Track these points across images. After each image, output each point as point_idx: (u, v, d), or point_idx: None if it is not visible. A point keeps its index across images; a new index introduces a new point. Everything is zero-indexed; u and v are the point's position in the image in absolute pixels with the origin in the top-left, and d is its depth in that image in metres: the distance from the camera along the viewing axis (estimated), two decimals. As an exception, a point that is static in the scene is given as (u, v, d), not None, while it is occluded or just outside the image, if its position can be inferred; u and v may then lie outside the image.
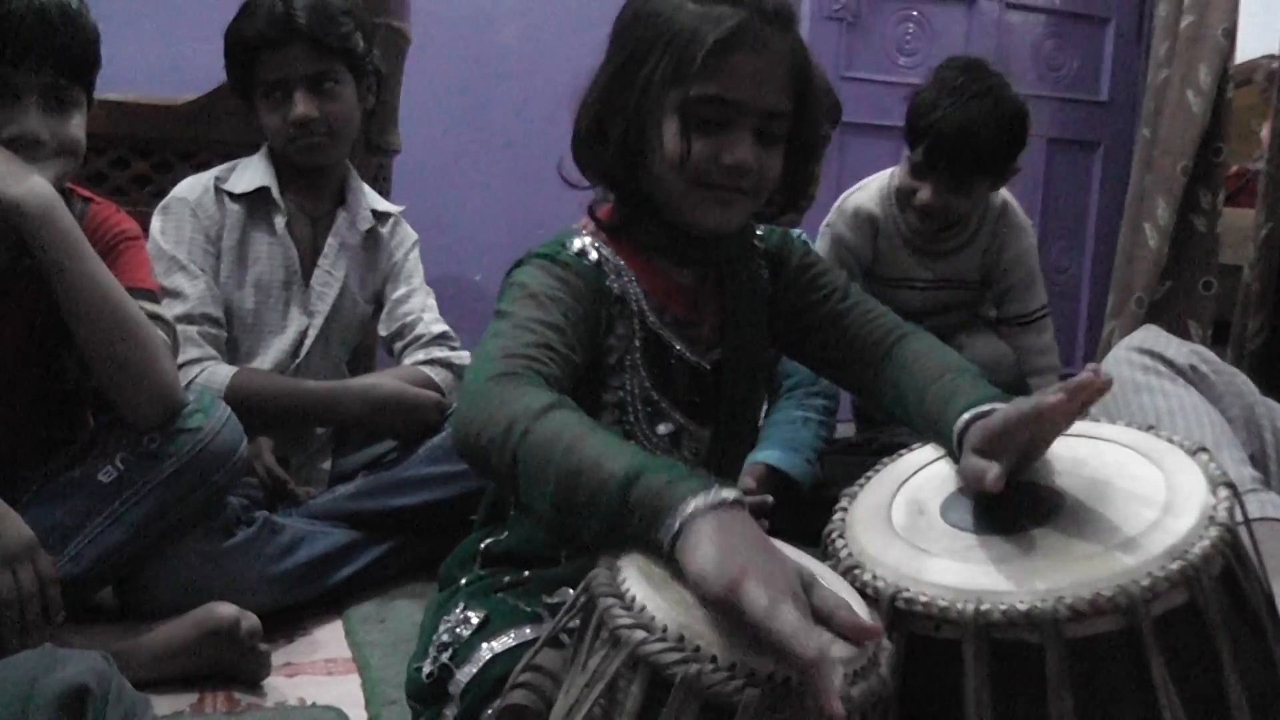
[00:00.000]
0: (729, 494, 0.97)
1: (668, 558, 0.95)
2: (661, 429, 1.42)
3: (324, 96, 2.16)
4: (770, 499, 2.08)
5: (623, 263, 1.39)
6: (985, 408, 1.20)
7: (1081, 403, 1.08)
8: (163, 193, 2.21)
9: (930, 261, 2.68)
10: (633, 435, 1.39)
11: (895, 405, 1.40)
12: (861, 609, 1.00)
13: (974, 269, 2.70)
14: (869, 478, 1.25)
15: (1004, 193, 2.68)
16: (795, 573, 0.93)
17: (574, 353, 1.26)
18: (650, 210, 1.39)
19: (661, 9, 1.32)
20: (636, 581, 0.94)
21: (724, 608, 0.88)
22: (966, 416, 1.20)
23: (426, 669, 1.35)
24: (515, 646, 1.29)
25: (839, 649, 0.91)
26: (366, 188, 2.38)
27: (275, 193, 2.20)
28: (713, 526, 0.93)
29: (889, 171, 2.67)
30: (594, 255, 1.37)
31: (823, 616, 0.91)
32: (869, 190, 2.66)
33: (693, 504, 0.95)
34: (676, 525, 0.94)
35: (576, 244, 1.38)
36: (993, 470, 1.09)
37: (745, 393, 1.49)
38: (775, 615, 0.85)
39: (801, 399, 2.41)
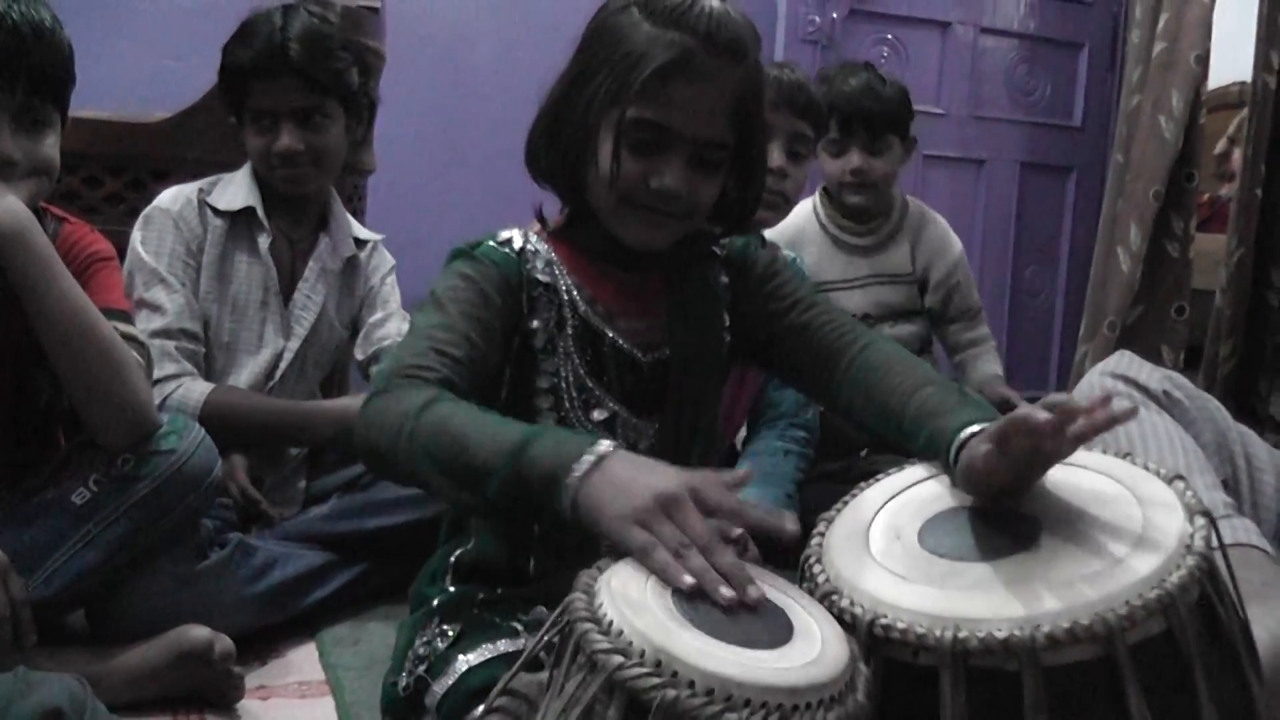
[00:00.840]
0: (603, 450, 1.09)
1: (572, 520, 1.07)
2: (596, 415, 1.43)
3: (311, 129, 2.15)
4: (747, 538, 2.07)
5: (554, 256, 1.43)
6: (985, 427, 1.18)
7: (1076, 431, 1.06)
8: (136, 211, 2.19)
9: (860, 258, 2.80)
10: (567, 421, 1.42)
11: (865, 413, 1.40)
12: (837, 634, 1.00)
13: (904, 263, 2.82)
14: (846, 502, 1.25)
15: (924, 206, 2.90)
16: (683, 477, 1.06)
17: (471, 348, 1.30)
18: (590, 216, 1.42)
19: (619, 25, 1.34)
20: (613, 606, 0.94)
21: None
22: (974, 430, 1.19)
23: (402, 682, 1.37)
24: (491, 659, 1.32)
25: (815, 673, 0.91)
26: (348, 215, 2.37)
27: (261, 213, 2.18)
28: (601, 484, 1.06)
29: (804, 204, 2.84)
30: (518, 243, 1.42)
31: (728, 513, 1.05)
32: (784, 225, 2.73)
33: (576, 468, 1.07)
34: (570, 490, 1.07)
35: (504, 234, 1.43)
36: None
37: (696, 392, 1.50)
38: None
39: (783, 430, 2.42)
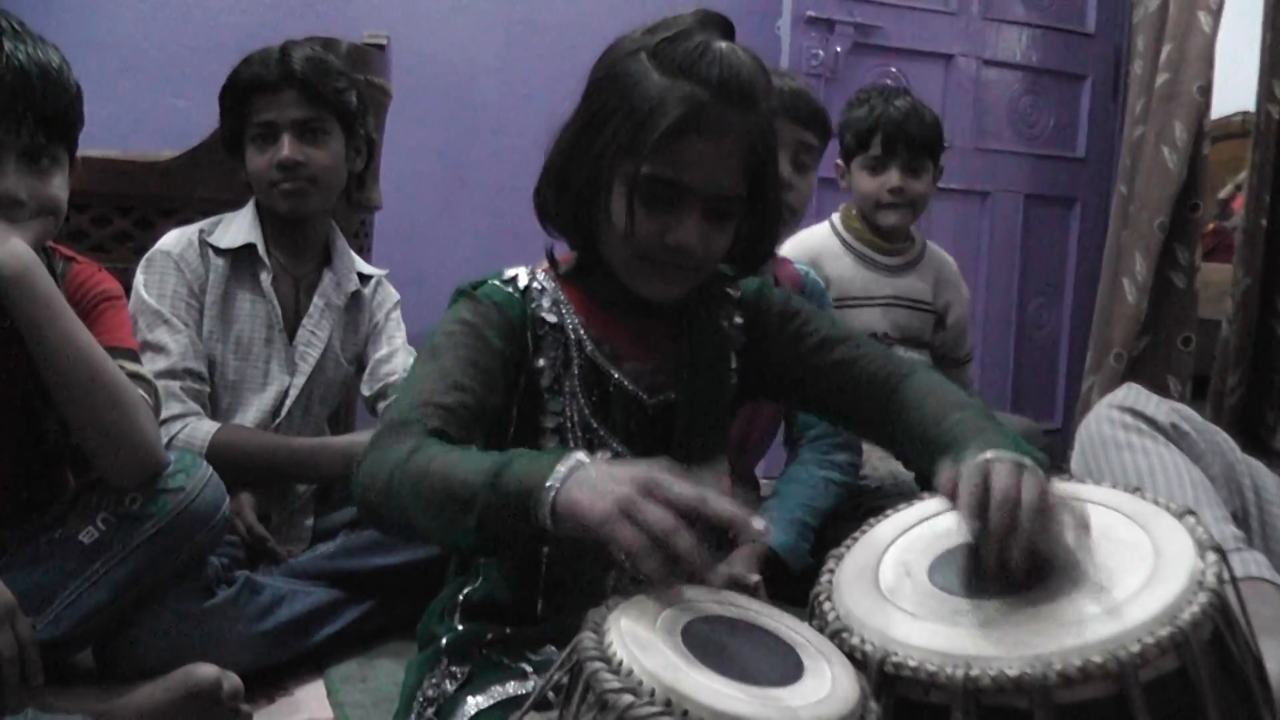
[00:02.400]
0: (578, 459, 1.06)
1: (557, 531, 1.04)
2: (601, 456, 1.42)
3: (311, 144, 2.17)
4: (760, 585, 2.05)
5: (562, 296, 1.42)
6: (1007, 455, 1.14)
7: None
8: (143, 249, 2.20)
9: (885, 277, 2.83)
10: None
11: (906, 445, 1.39)
12: (848, 672, 0.99)
13: (927, 292, 2.86)
14: (855, 539, 1.24)
15: (937, 246, 2.98)
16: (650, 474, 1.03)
17: (465, 394, 1.28)
18: (601, 265, 1.40)
19: (630, 73, 1.31)
20: (623, 645, 0.93)
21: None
22: (989, 455, 1.15)
23: None
24: (501, 702, 1.30)
25: (826, 711, 0.91)
26: (351, 251, 2.38)
27: (261, 249, 2.19)
28: (578, 488, 1.03)
29: (820, 225, 2.90)
30: (524, 282, 1.40)
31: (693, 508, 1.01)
32: (801, 240, 2.82)
33: (552, 479, 1.05)
34: (548, 501, 1.04)
35: (510, 272, 1.41)
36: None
37: (702, 435, 1.48)
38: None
39: (825, 451, 2.39)
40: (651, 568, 0.97)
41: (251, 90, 2.15)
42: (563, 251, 1.47)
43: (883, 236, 2.82)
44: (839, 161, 2.85)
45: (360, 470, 1.21)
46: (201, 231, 2.20)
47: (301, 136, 2.17)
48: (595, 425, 1.41)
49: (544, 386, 1.39)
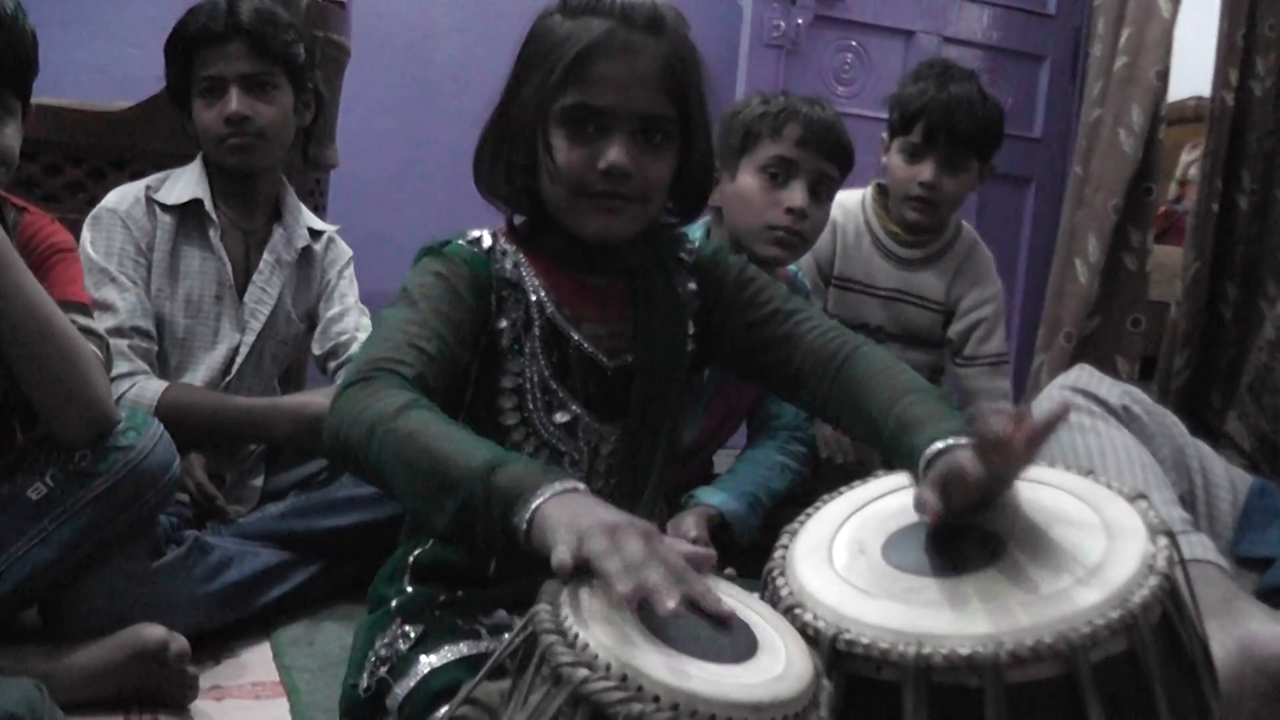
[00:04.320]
0: (576, 484, 1.05)
1: (525, 539, 1.03)
2: (559, 417, 1.44)
3: (259, 97, 2.14)
4: (714, 556, 2.05)
5: (523, 257, 1.44)
6: (954, 441, 1.17)
7: (1031, 438, 1.05)
8: (95, 200, 2.17)
9: (894, 268, 2.73)
10: (530, 422, 1.43)
11: (852, 423, 1.40)
12: (801, 649, 1.00)
13: (939, 290, 2.74)
14: (809, 515, 1.25)
15: (976, 235, 2.80)
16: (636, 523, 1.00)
17: (444, 344, 1.30)
18: (550, 224, 1.43)
19: (540, 30, 1.40)
20: (579, 619, 0.93)
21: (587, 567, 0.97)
22: (938, 446, 1.17)
23: (363, 684, 1.36)
24: (454, 661, 1.31)
25: (780, 689, 0.91)
26: (302, 205, 2.35)
27: (208, 204, 2.17)
28: (562, 506, 1.02)
29: (859, 191, 2.76)
30: (488, 242, 1.43)
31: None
32: (839, 198, 2.62)
33: (546, 490, 1.03)
34: (532, 506, 1.02)
35: (474, 233, 1.44)
36: (931, 500, 1.10)
37: (659, 398, 1.49)
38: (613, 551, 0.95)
39: (785, 442, 2.41)
40: (625, 590, 0.93)
41: (198, 42, 2.12)
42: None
43: (906, 228, 2.71)
44: (884, 135, 2.71)
45: (337, 410, 1.21)
46: (148, 188, 2.16)
47: (249, 90, 2.13)
48: (554, 386, 1.43)
49: (504, 348, 1.41)
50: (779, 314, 1.49)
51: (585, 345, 1.44)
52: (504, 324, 1.41)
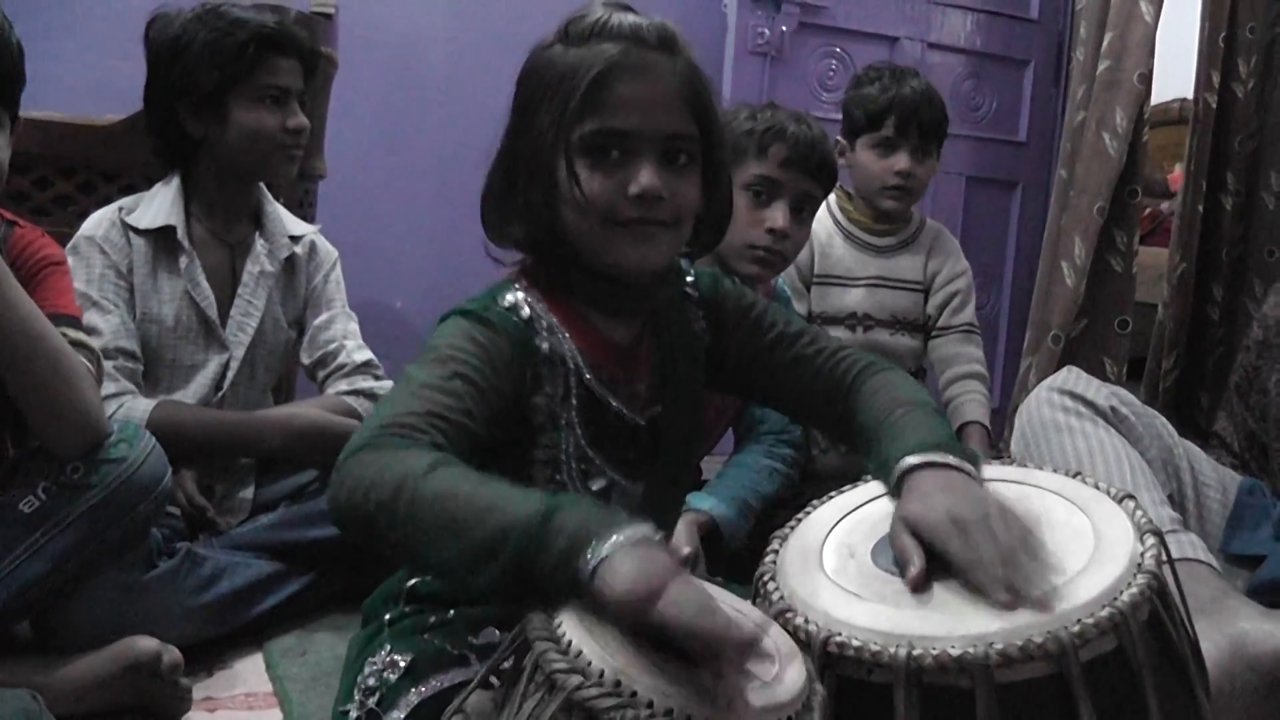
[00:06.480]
0: (648, 531, 0.97)
1: (587, 586, 0.93)
2: (594, 485, 1.37)
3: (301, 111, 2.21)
4: (699, 555, 2.06)
5: (555, 320, 1.35)
6: (932, 457, 1.18)
7: None
8: (86, 213, 2.17)
9: (871, 257, 2.82)
10: (564, 491, 1.34)
11: (858, 440, 1.39)
12: (793, 653, 1.00)
13: (916, 269, 2.85)
14: (799, 520, 1.26)
15: (939, 224, 2.96)
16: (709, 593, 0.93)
17: (471, 418, 1.19)
18: (574, 262, 1.35)
19: (543, 61, 1.32)
20: (573, 626, 0.93)
21: (650, 623, 0.89)
22: (912, 461, 1.19)
23: (353, 713, 1.33)
24: (443, 690, 1.28)
25: (773, 693, 0.92)
26: (280, 209, 2.35)
27: (181, 232, 2.15)
28: (633, 553, 0.93)
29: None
30: (525, 312, 1.33)
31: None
32: None
33: (618, 535, 0.94)
34: (603, 551, 0.93)
35: (508, 299, 1.34)
36: (912, 569, 1.09)
37: (683, 448, 1.47)
38: (704, 614, 0.88)
39: (771, 445, 2.40)
40: (699, 647, 0.88)
41: (264, 48, 2.12)
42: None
43: (879, 218, 2.81)
44: (839, 139, 2.77)
45: (348, 473, 1.11)
46: (120, 210, 2.15)
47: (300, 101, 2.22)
48: (591, 455, 1.37)
49: (539, 423, 1.33)
50: (784, 338, 1.47)
51: (624, 411, 1.39)
52: (539, 400, 1.33)
